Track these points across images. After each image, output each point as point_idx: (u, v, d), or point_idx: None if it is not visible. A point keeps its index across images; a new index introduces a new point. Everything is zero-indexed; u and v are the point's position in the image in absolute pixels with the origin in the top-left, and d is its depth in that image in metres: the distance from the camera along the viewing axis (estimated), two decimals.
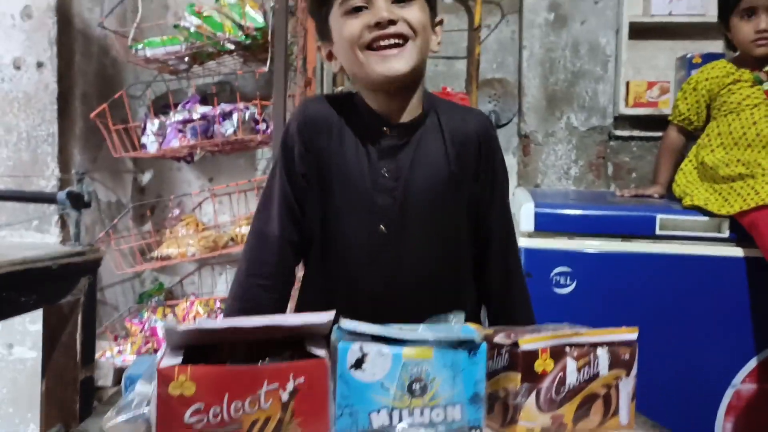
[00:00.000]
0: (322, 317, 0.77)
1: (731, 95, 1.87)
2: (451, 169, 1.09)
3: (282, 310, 1.14)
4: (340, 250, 1.10)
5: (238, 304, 1.09)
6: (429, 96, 1.14)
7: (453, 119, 1.12)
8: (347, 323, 0.76)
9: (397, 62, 1.01)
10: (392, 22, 0.99)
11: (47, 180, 2.08)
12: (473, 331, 0.79)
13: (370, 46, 1.01)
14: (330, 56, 1.12)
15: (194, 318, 2.23)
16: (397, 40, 1.00)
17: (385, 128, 1.08)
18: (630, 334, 0.90)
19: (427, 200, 1.09)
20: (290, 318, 0.81)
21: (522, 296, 1.22)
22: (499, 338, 0.84)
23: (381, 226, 1.08)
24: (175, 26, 2.14)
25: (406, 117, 1.09)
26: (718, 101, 1.90)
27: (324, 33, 1.10)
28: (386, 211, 1.08)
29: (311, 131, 1.08)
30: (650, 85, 2.41)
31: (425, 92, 1.13)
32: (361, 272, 1.10)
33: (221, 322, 0.75)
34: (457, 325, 0.83)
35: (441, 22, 1.11)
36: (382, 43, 1.00)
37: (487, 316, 1.24)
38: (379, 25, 0.99)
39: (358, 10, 1.01)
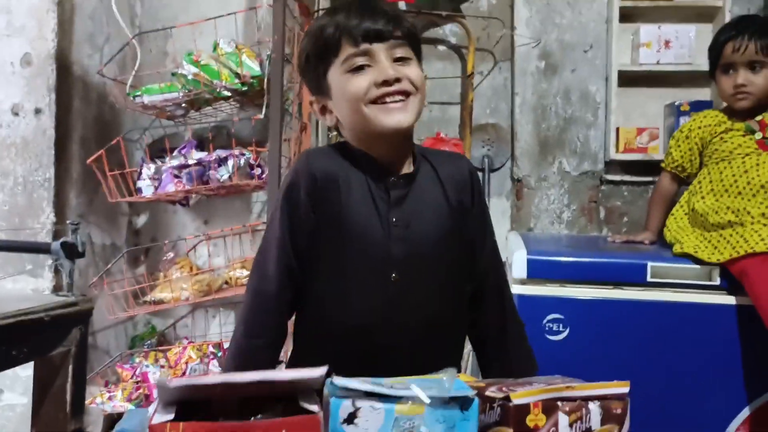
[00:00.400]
0: (314, 372, 0.77)
1: (723, 143, 1.89)
2: (452, 211, 1.15)
3: (277, 361, 1.16)
4: (350, 301, 1.11)
5: (237, 362, 1.11)
6: (415, 146, 1.19)
7: (444, 164, 1.18)
8: (339, 380, 0.77)
9: (402, 115, 1.08)
10: (397, 80, 1.07)
11: (42, 225, 2.09)
12: (466, 386, 0.79)
13: (375, 101, 1.07)
14: (324, 110, 1.17)
15: (186, 363, 2.21)
16: (401, 96, 1.08)
17: (392, 179, 1.12)
18: (621, 388, 0.90)
19: (435, 243, 1.13)
20: (282, 373, 0.81)
21: (520, 335, 1.26)
22: (491, 392, 0.84)
23: (394, 274, 1.10)
24: (173, 74, 2.18)
25: (406, 166, 1.14)
26: (710, 149, 1.93)
27: (320, 89, 1.15)
28: (399, 259, 1.10)
29: (319, 189, 1.09)
30: (640, 131, 2.45)
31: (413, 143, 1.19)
32: (371, 320, 1.11)
33: (214, 377, 0.75)
34: (449, 381, 0.83)
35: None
36: (388, 99, 1.07)
37: (484, 356, 1.26)
38: (386, 82, 1.06)
39: (361, 68, 1.07)
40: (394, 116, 1.07)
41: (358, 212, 1.10)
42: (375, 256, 1.10)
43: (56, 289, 2.08)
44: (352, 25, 1.07)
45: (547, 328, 1.84)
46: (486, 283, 1.22)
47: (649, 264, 1.82)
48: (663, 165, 2.06)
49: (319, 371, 0.77)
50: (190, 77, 2.14)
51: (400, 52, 1.09)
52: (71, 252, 1.42)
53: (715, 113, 1.97)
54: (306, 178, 1.10)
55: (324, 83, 1.13)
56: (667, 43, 2.41)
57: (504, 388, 0.83)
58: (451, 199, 1.15)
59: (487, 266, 1.22)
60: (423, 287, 1.12)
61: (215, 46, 2.19)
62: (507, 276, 1.27)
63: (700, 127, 1.95)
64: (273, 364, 1.13)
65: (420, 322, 1.12)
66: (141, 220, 2.65)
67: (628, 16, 2.46)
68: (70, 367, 1.41)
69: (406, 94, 1.08)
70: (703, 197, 1.91)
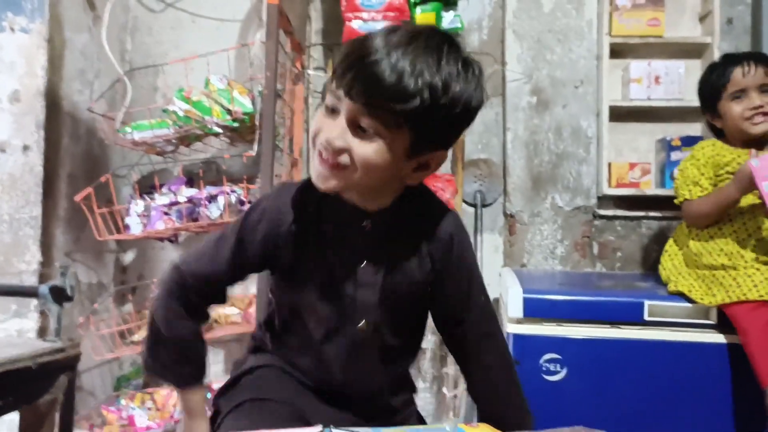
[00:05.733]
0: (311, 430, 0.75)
1: (724, 181, 1.86)
2: (425, 266, 1.07)
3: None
4: (313, 343, 1.10)
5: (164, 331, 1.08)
6: (408, 187, 1.06)
7: (426, 217, 1.08)
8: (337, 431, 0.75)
9: (324, 181, 0.96)
10: (337, 150, 0.92)
11: (28, 264, 2.04)
12: None
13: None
14: None
15: (174, 406, 2.16)
16: (332, 163, 0.94)
17: (364, 223, 1.03)
18: None
19: (405, 294, 1.08)
20: None
21: (515, 391, 1.18)
22: None
23: (362, 321, 1.07)
24: (164, 110, 2.16)
25: (380, 211, 1.04)
26: (715, 180, 1.91)
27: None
28: (367, 306, 1.06)
29: (283, 226, 1.03)
30: (632, 166, 2.45)
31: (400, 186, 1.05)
32: (332, 360, 1.10)
33: None
34: (450, 429, 0.81)
35: (431, 163, 0.99)
36: (323, 155, 0.94)
37: (480, 410, 1.22)
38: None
39: (330, 109, 0.94)
40: (318, 176, 0.96)
41: (325, 254, 1.04)
42: (340, 300, 1.06)
43: (42, 331, 2.03)
44: (354, 63, 0.90)
45: (544, 368, 1.82)
46: (471, 343, 1.14)
47: (646, 302, 1.81)
48: (687, 197, 1.90)
49: (315, 430, 0.75)
50: (181, 114, 2.12)
51: (366, 123, 0.90)
52: (59, 296, 1.38)
53: (720, 143, 1.93)
54: (272, 215, 1.05)
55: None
56: (657, 78, 2.42)
57: None
58: (423, 254, 1.07)
59: (474, 325, 1.13)
60: (389, 335, 1.10)
61: (207, 83, 2.17)
62: (500, 331, 1.19)
63: (712, 155, 1.90)
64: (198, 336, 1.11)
65: (378, 366, 1.12)
66: (128, 257, 2.60)
67: (618, 52, 2.48)
68: (57, 415, 1.37)
69: (339, 165, 0.93)
70: (697, 234, 1.90)
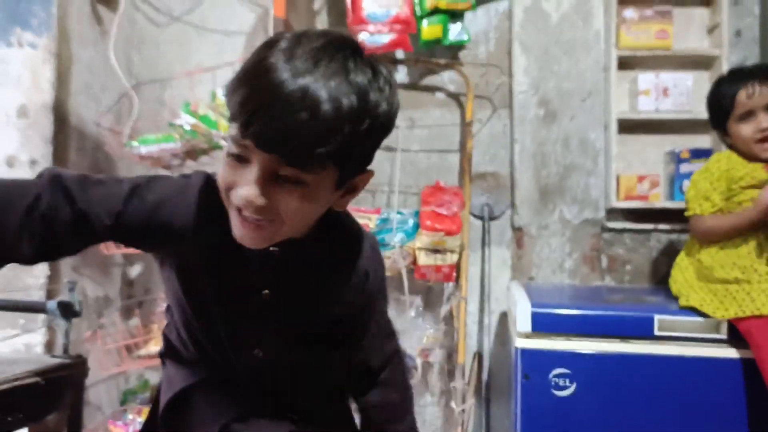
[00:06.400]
0: None
1: (737, 195, 1.84)
2: (335, 298, 1.03)
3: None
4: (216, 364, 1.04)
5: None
6: (332, 218, 0.98)
7: (341, 248, 1.02)
8: None
9: (252, 243, 0.87)
10: (259, 208, 0.82)
11: (36, 279, 2.04)
12: None
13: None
14: None
15: None
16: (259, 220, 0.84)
17: (272, 248, 0.92)
18: None
19: (306, 325, 1.03)
20: None
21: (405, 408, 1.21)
22: None
23: (257, 350, 1.02)
24: (171, 124, 2.16)
25: (292, 239, 0.93)
26: (728, 194, 1.88)
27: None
28: (264, 334, 1.01)
29: (185, 225, 0.92)
30: (640, 178, 2.43)
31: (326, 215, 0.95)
32: (238, 375, 1.04)
33: None
34: None
35: (359, 185, 0.91)
36: (242, 215, 0.84)
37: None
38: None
39: (239, 158, 0.82)
40: (245, 236, 0.86)
41: (224, 277, 0.96)
42: (238, 327, 1.00)
43: (49, 345, 2.02)
44: (259, 107, 0.76)
45: (553, 383, 1.80)
46: (366, 377, 1.15)
47: (656, 317, 1.79)
48: (699, 212, 1.88)
49: None
50: (187, 127, 2.12)
51: (286, 172, 0.80)
52: (67, 312, 1.38)
53: (735, 156, 1.90)
54: (187, 216, 0.92)
55: None
56: (665, 90, 2.41)
57: None
58: (333, 287, 1.02)
59: (369, 356, 1.13)
60: (289, 363, 1.05)
61: (213, 96, 2.18)
62: (400, 364, 1.21)
63: (727, 169, 1.87)
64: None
65: (287, 387, 1.07)
66: (135, 271, 2.60)
67: (625, 64, 2.46)
68: (65, 431, 1.36)
69: (264, 224, 0.84)
70: (709, 248, 1.88)
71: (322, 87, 0.75)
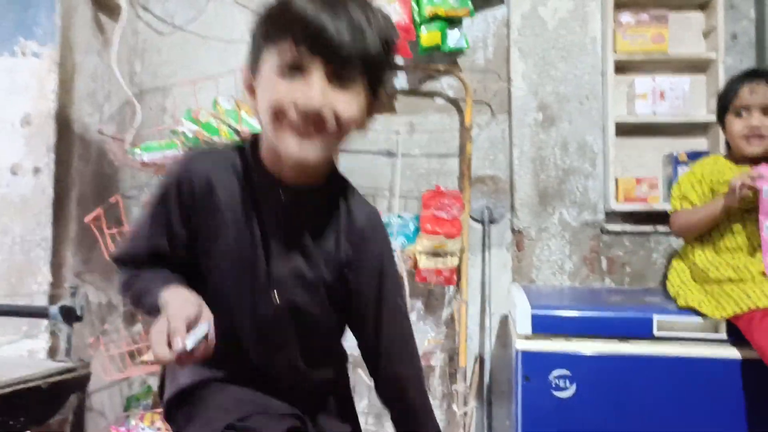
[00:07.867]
0: None
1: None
2: (341, 256, 1.04)
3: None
4: (226, 318, 1.03)
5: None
6: (337, 173, 1.07)
7: (347, 201, 1.06)
8: None
9: (311, 150, 0.91)
10: (317, 114, 0.88)
11: (39, 284, 2.06)
12: None
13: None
14: (251, 90, 0.98)
15: None
16: (314, 129, 0.90)
17: (282, 194, 0.99)
18: None
19: (321, 272, 1.04)
20: None
21: (418, 408, 1.18)
22: None
23: (276, 295, 1.03)
24: (173, 132, 2.18)
25: (304, 181, 1.01)
26: (709, 196, 1.91)
27: (255, 64, 0.95)
28: (281, 280, 1.02)
29: (196, 200, 0.99)
30: (638, 181, 2.45)
31: (333, 164, 1.07)
32: (248, 339, 1.05)
33: None
34: None
35: (374, 108, 0.99)
36: (299, 126, 0.90)
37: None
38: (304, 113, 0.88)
39: (292, 73, 0.88)
40: (300, 148, 0.90)
41: (236, 227, 1.00)
42: (254, 275, 1.02)
43: (52, 351, 2.04)
44: (304, 18, 0.85)
45: (553, 385, 1.81)
46: (380, 354, 1.12)
47: (656, 317, 1.81)
48: (676, 207, 1.99)
49: None
50: (189, 135, 2.14)
51: (342, 74, 0.89)
52: (69, 316, 1.40)
53: (722, 160, 1.95)
54: (183, 182, 0.98)
55: (259, 61, 0.94)
56: (662, 94, 2.43)
57: None
58: (339, 235, 1.04)
59: (384, 332, 1.10)
60: (302, 312, 1.05)
61: (215, 104, 2.20)
62: (413, 345, 1.18)
63: (711, 172, 1.92)
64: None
65: (295, 350, 1.07)
66: None
67: (622, 68, 2.49)
68: None
69: (323, 128, 0.90)
70: (702, 250, 1.90)
71: (358, 8, 0.88)
